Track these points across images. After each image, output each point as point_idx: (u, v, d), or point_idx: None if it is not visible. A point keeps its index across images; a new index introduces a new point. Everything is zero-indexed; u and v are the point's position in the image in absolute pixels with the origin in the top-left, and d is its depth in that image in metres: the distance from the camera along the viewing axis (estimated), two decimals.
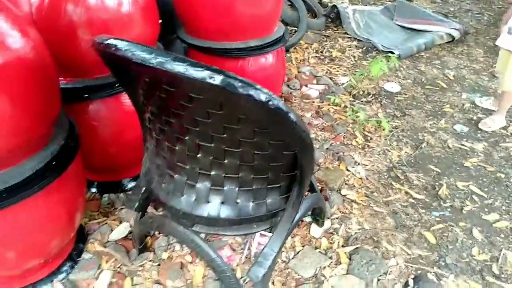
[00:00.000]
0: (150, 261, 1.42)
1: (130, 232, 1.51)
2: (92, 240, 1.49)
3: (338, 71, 2.88)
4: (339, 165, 1.92)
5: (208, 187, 1.07)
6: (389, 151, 2.06)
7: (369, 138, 2.15)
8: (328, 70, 2.89)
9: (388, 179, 1.88)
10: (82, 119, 1.41)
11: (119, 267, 1.39)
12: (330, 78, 2.75)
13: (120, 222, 1.56)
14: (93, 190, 1.71)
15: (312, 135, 2.14)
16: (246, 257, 1.44)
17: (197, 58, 1.83)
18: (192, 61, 0.79)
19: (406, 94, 2.62)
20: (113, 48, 0.84)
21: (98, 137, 1.48)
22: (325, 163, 1.93)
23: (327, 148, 2.04)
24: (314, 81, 2.70)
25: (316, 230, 1.55)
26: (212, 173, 1.05)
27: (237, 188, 1.07)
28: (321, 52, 3.14)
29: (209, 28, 1.71)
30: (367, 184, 1.83)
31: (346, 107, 2.40)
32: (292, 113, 0.86)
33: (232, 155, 1.01)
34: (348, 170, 1.90)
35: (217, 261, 1.14)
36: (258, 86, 0.81)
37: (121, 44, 0.83)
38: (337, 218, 1.62)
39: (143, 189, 1.29)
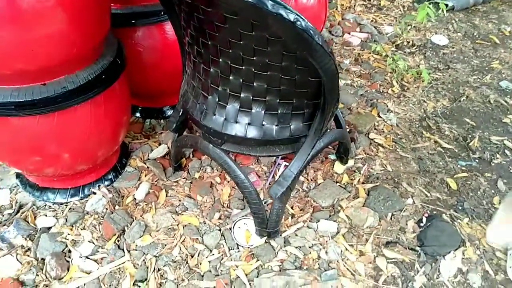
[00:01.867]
0: (184, 178, 1.57)
1: (167, 153, 1.67)
2: (134, 157, 1.66)
3: (384, 21, 2.79)
4: (371, 110, 1.94)
5: (237, 108, 1.17)
6: (425, 102, 2.04)
7: (406, 88, 2.13)
8: (374, 18, 2.81)
9: (419, 128, 1.88)
10: (129, 44, 1.53)
11: (156, 181, 1.56)
12: (375, 27, 2.68)
13: (159, 144, 1.72)
14: (137, 114, 1.88)
15: (348, 81, 2.16)
16: (269, 184, 1.56)
17: None
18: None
19: (453, 48, 2.52)
20: None
21: (142, 62, 1.60)
22: (357, 108, 1.96)
23: (361, 94, 2.05)
24: (358, 29, 2.65)
25: (339, 167, 1.63)
26: (242, 95, 1.14)
27: (263, 111, 1.15)
28: (369, 0, 3.03)
29: None
30: (397, 131, 1.85)
31: (387, 56, 2.36)
32: (318, 36, 0.91)
33: (261, 78, 1.08)
34: (379, 116, 1.92)
35: (241, 177, 1.26)
36: (288, 7, 0.86)
37: None
38: (361, 158, 1.68)
39: (181, 111, 1.41)
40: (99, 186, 1.51)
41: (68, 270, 1.26)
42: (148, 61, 1.60)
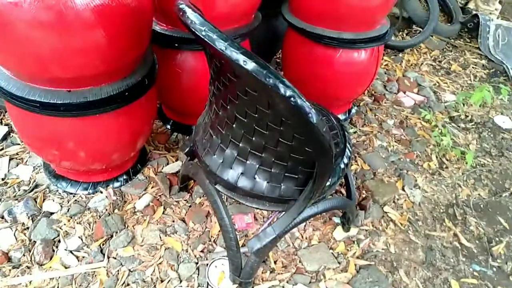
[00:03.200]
0: (185, 200, 1.61)
1: (179, 171, 1.72)
2: (150, 166, 1.74)
3: (448, 87, 2.64)
4: (396, 181, 1.84)
5: (235, 156, 1.18)
6: (460, 187, 1.89)
7: (444, 167, 1.99)
8: (438, 82, 2.66)
9: (443, 214, 1.75)
10: (170, 64, 1.62)
11: (159, 195, 1.62)
12: (434, 92, 2.54)
13: (176, 160, 1.79)
14: (167, 126, 1.96)
15: (384, 143, 2.07)
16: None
17: (292, 37, 1.90)
18: (234, 43, 0.86)
19: None
20: (180, 13, 0.97)
21: (179, 83, 1.67)
22: (383, 174, 1.87)
23: (393, 161, 1.96)
24: (415, 90, 2.53)
25: (339, 233, 1.57)
26: (241, 145, 1.15)
27: (257, 166, 1.15)
28: (439, 61, 2.89)
29: (309, 10, 1.74)
30: (416, 211, 1.73)
31: (436, 126, 2.22)
32: (313, 114, 0.90)
33: (260, 135, 1.08)
34: (403, 190, 1.81)
35: (225, 221, 1.27)
36: (285, 81, 0.86)
37: (185, 10, 0.95)
38: (366, 230, 1.60)
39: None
40: (107, 186, 1.60)
41: (51, 259, 1.36)
42: (185, 83, 1.68)
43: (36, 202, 1.52)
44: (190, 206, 1.59)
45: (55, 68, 1.14)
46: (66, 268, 1.34)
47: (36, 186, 1.59)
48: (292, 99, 0.85)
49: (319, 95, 1.99)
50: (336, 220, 1.62)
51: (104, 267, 1.35)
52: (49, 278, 1.30)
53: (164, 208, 1.57)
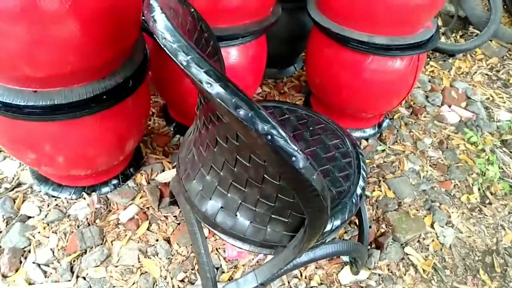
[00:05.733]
0: (174, 216, 1.44)
1: None
2: (143, 171, 1.58)
3: (504, 103, 2.26)
4: (425, 216, 1.56)
5: (215, 185, 0.97)
6: (504, 229, 1.57)
7: (487, 202, 1.67)
8: (492, 96, 2.29)
9: (478, 262, 1.45)
10: (170, 60, 1.43)
11: (147, 207, 1.46)
12: (486, 108, 2.18)
13: (174, 167, 1.61)
14: (171, 127, 1.79)
15: (417, 167, 1.77)
16: (257, 262, 1.34)
17: (316, 37, 1.64)
18: (202, 59, 0.64)
19: None
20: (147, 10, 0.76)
21: (180, 81, 1.48)
22: (409, 205, 1.59)
23: (424, 190, 1.66)
24: (463, 104, 2.18)
25: (346, 275, 1.33)
26: (221, 173, 0.94)
27: (239, 201, 0.94)
28: (497, 71, 2.49)
29: (337, 7, 1.47)
30: (446, 255, 1.45)
31: (483, 151, 1.89)
32: (299, 158, 0.66)
33: (242, 166, 0.87)
34: (432, 227, 1.53)
35: (202, 256, 1.08)
36: (262, 113, 0.63)
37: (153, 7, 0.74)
38: (379, 275, 1.35)
39: None
40: (93, 191, 1.46)
41: (16, 271, 1.24)
42: (187, 81, 1.48)
43: (14, 203, 1.40)
44: (178, 224, 1.42)
45: (21, 64, 0.97)
46: (30, 284, 1.21)
47: (19, 184, 1.48)
48: (269, 137, 0.63)
49: (343, 105, 1.74)
50: (345, 258, 1.38)
51: None
52: None
53: (149, 223, 1.40)
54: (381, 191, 1.63)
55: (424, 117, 2.06)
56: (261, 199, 0.90)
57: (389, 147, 1.85)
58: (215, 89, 0.63)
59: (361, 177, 1.11)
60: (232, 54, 1.49)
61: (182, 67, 0.65)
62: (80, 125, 1.16)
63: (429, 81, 2.31)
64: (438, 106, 2.15)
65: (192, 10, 1.02)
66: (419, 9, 1.40)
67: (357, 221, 1.41)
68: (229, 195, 0.95)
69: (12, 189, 1.45)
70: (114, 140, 1.31)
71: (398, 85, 1.63)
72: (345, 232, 1.47)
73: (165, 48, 0.68)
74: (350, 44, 1.48)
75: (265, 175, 0.84)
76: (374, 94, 1.64)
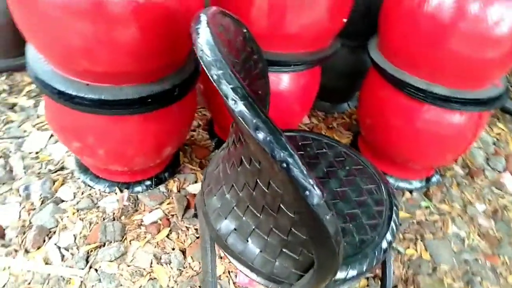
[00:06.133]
0: (195, 229, 1.43)
1: None
2: (177, 179, 1.60)
3: None
4: None
5: (233, 206, 0.95)
6: None
7: None
8: None
9: None
10: None
11: (171, 215, 1.46)
12: None
13: None
14: (213, 142, 1.81)
15: (462, 232, 1.61)
16: None
17: (372, 77, 1.59)
18: (233, 75, 0.64)
19: None
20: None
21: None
22: (445, 273, 1.44)
23: (465, 260, 1.50)
24: None
25: None
26: (241, 194, 0.92)
27: (253, 227, 0.91)
28: None
29: (398, 50, 1.42)
30: None
31: None
32: (313, 193, 0.62)
33: (260, 191, 0.84)
34: None
35: (208, 275, 1.05)
36: (282, 139, 0.61)
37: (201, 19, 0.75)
38: None
39: None
40: (127, 188, 1.50)
41: (38, 248, 1.29)
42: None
43: (54, 184, 1.49)
44: (197, 238, 1.40)
45: (82, 58, 1.04)
46: (46, 264, 1.25)
47: (62, 168, 1.57)
48: (284, 164, 0.60)
49: (392, 152, 1.65)
50: None
51: (81, 277, 1.23)
52: (27, 271, 1.23)
53: (170, 231, 1.41)
54: (416, 250, 1.50)
55: (481, 180, 1.89)
56: (274, 229, 0.87)
57: (435, 205, 1.71)
58: (239, 107, 0.62)
59: (390, 230, 1.02)
60: (283, 80, 1.49)
61: (213, 81, 0.65)
62: (123, 123, 1.22)
63: (494, 144, 2.13)
64: (499, 171, 1.96)
65: (245, 31, 1.04)
66: (488, 63, 1.31)
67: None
68: (244, 218, 0.92)
69: (55, 172, 1.54)
70: (153, 143, 1.35)
71: (453, 140, 1.52)
72: (367, 286, 1.36)
73: (201, 60, 0.68)
74: (406, 89, 1.41)
75: (281, 205, 0.81)
76: (426, 145, 1.54)
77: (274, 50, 1.39)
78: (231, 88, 0.64)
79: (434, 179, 1.79)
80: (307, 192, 0.62)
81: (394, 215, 1.06)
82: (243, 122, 0.62)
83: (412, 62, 1.38)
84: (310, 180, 0.62)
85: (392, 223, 1.04)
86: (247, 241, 0.93)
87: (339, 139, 1.92)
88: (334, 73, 1.91)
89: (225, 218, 0.97)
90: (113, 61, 1.06)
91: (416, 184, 1.76)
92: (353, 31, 1.65)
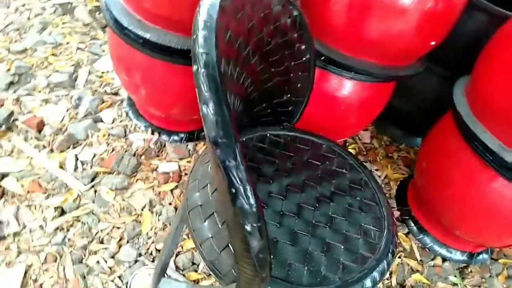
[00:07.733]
0: None
1: None
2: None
3: None
4: None
5: (206, 183, 0.91)
6: None
7: None
8: None
9: None
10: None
11: (185, 173, 1.47)
12: None
13: None
14: None
15: None
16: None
17: (446, 122, 1.36)
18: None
19: None
20: None
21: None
22: None
23: None
24: None
25: None
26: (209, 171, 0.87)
27: (213, 210, 0.86)
28: None
29: (483, 105, 1.18)
30: None
31: None
32: (239, 193, 0.55)
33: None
34: None
35: (169, 238, 1.03)
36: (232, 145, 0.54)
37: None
38: None
39: None
40: (168, 135, 1.55)
41: (60, 152, 1.41)
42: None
43: (102, 104, 1.59)
44: None
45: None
46: (60, 167, 1.36)
47: (116, 94, 1.67)
48: (223, 163, 0.55)
49: (440, 210, 1.41)
50: None
51: (80, 191, 1.31)
52: (43, 167, 1.35)
53: (176, 186, 1.42)
54: None
55: None
56: (228, 221, 0.80)
57: (465, 287, 1.44)
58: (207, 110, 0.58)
59: (388, 257, 0.88)
60: (344, 86, 1.36)
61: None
62: (164, 68, 1.23)
63: None
64: None
65: (296, 14, 0.95)
66: None
67: None
68: (210, 198, 0.88)
69: (109, 94, 1.65)
70: (192, 97, 1.34)
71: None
72: None
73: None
74: (484, 156, 1.16)
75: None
76: (485, 219, 1.28)
77: (344, 51, 1.27)
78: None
79: (480, 257, 1.51)
80: (233, 190, 0.55)
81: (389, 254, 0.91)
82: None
83: (498, 121, 1.13)
84: (244, 181, 0.55)
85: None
86: (204, 221, 0.88)
87: (392, 172, 1.72)
88: (415, 99, 1.70)
89: (198, 191, 0.93)
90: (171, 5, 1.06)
91: (455, 254, 1.50)
92: (451, 59, 1.44)
